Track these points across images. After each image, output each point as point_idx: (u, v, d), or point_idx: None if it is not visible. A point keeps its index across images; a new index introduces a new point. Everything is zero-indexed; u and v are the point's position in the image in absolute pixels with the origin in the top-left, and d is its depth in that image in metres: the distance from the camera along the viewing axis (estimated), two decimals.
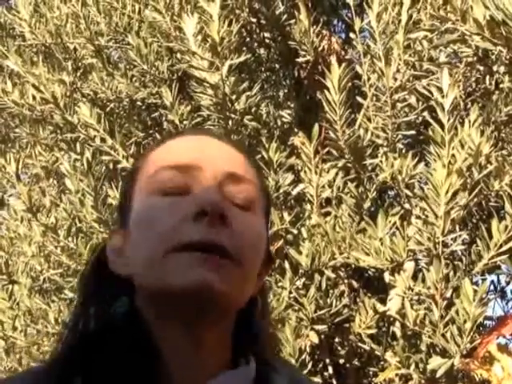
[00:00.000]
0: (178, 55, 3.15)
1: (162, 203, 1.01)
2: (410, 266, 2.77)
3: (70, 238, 3.16)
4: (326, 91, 2.68)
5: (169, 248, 0.97)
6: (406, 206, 2.79)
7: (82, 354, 1.00)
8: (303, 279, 2.84)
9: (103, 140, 3.04)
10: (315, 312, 2.79)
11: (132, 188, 1.08)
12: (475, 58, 2.80)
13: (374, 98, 2.82)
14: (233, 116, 2.84)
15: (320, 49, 3.20)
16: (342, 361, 3.10)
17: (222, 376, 1.02)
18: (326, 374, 3.09)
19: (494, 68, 2.91)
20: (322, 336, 2.90)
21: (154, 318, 1.01)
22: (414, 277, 2.74)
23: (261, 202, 1.08)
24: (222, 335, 1.04)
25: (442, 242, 2.53)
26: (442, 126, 2.44)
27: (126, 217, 1.06)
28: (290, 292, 2.80)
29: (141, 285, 1.02)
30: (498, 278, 3.39)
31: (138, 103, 3.41)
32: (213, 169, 1.03)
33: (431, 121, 2.51)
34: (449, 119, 2.43)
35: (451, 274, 2.61)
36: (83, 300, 1.09)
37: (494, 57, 2.83)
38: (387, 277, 2.82)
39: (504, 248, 2.51)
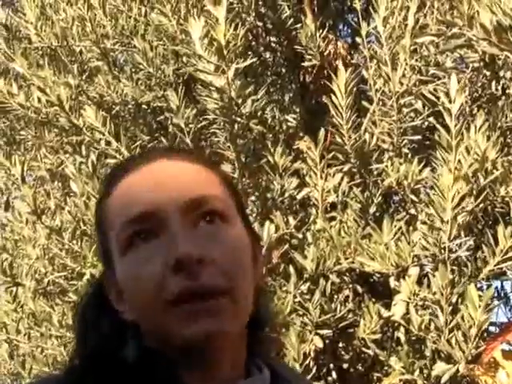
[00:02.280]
0: (184, 59, 3.14)
1: (137, 260, 0.98)
2: (414, 271, 2.76)
3: (74, 241, 3.15)
4: (332, 95, 2.68)
5: (161, 306, 0.96)
6: (412, 211, 2.79)
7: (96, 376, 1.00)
8: (308, 284, 2.84)
9: (108, 143, 3.03)
10: (320, 317, 2.78)
11: (107, 243, 1.04)
12: (482, 64, 2.80)
13: (380, 103, 2.81)
14: (238, 120, 2.83)
15: (326, 53, 3.20)
16: (346, 366, 3.09)
17: None
18: (330, 378, 3.09)
19: (501, 73, 2.91)
20: (327, 341, 2.89)
21: (165, 353, 1.00)
22: (419, 282, 2.73)
23: (232, 206, 1.05)
24: (236, 349, 1.03)
25: (448, 247, 2.53)
26: (448, 131, 2.44)
27: (113, 272, 1.04)
28: (295, 296, 2.79)
29: (147, 333, 1.01)
30: (502, 284, 3.38)
31: (144, 106, 3.41)
32: (173, 204, 0.99)
33: (438, 126, 2.51)
34: (455, 124, 2.42)
35: (456, 279, 2.61)
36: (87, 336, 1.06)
37: (500, 62, 2.83)
38: (392, 282, 2.81)
39: (510, 254, 2.51)
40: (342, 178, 2.90)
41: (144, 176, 1.03)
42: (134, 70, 3.37)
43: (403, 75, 2.73)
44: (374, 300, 2.87)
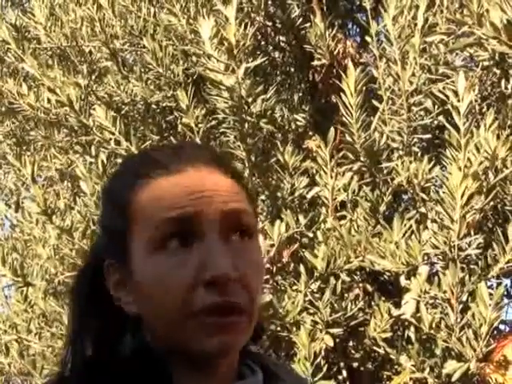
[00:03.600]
0: (194, 58, 3.15)
1: (168, 261, 0.98)
2: (424, 269, 2.76)
3: (84, 241, 3.16)
4: (341, 94, 2.68)
5: (185, 314, 0.97)
6: (422, 209, 2.79)
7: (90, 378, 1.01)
8: (318, 282, 2.84)
9: (118, 143, 3.04)
10: (330, 315, 2.79)
11: (124, 229, 1.04)
12: (491, 62, 2.79)
13: (390, 102, 2.81)
14: (248, 119, 2.84)
15: (335, 52, 3.20)
16: (356, 364, 3.10)
17: None
18: (340, 377, 3.09)
19: (511, 72, 2.90)
20: (337, 339, 2.89)
21: (165, 353, 1.01)
22: (429, 280, 2.73)
23: (256, 223, 1.08)
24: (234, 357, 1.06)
25: (458, 245, 2.52)
26: (457, 129, 2.44)
27: (125, 254, 1.03)
28: (305, 295, 2.80)
29: (153, 331, 1.02)
30: None
31: (153, 106, 3.41)
32: (213, 213, 1.00)
33: (447, 124, 2.51)
34: (464, 123, 2.42)
35: (467, 277, 2.61)
36: (83, 327, 1.08)
37: (510, 60, 2.82)
38: (403, 280, 2.82)
39: None
40: (352, 177, 2.90)
41: (184, 182, 1.02)
42: (143, 69, 3.37)
43: (413, 74, 2.72)
44: (384, 298, 2.87)
